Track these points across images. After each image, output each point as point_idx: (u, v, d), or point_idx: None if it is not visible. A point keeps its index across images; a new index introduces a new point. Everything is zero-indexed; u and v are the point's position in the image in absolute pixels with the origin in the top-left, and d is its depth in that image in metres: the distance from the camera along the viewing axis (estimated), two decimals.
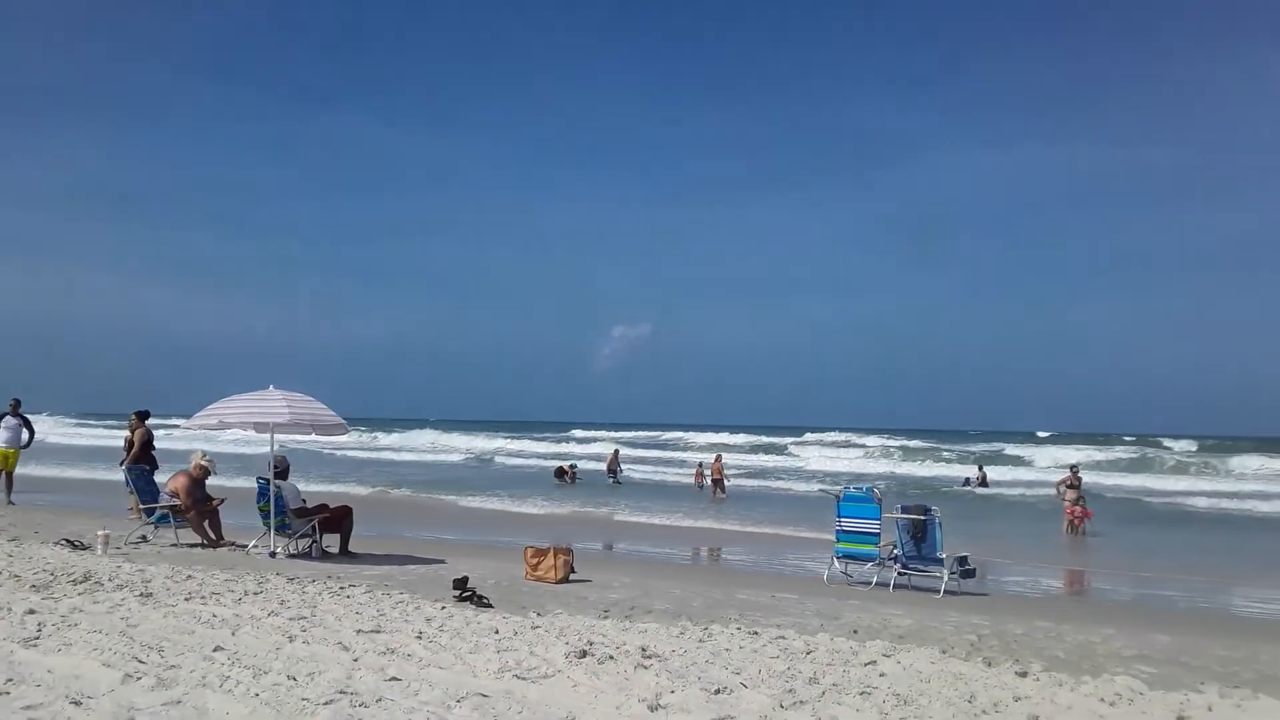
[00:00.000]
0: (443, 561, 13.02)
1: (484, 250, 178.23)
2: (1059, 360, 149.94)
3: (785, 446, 63.49)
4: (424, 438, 68.91)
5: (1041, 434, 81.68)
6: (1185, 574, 15.61)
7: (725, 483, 30.22)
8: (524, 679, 6.05)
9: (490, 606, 9.34)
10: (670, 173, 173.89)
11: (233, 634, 6.93)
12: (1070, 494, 21.70)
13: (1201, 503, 30.87)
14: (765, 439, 69.99)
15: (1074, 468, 23.46)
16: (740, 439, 70.15)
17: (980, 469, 36.41)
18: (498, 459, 49.94)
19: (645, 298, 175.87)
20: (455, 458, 51.24)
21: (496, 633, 7.68)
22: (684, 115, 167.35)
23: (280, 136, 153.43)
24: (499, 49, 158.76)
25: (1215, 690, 6.77)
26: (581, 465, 36.26)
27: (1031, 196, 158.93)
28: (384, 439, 67.15)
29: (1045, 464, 48.95)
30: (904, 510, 13.18)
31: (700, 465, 33.54)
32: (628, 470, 37.13)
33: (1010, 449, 60.01)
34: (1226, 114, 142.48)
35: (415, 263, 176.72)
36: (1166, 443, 64.82)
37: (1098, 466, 45.39)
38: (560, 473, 34.17)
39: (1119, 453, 55.90)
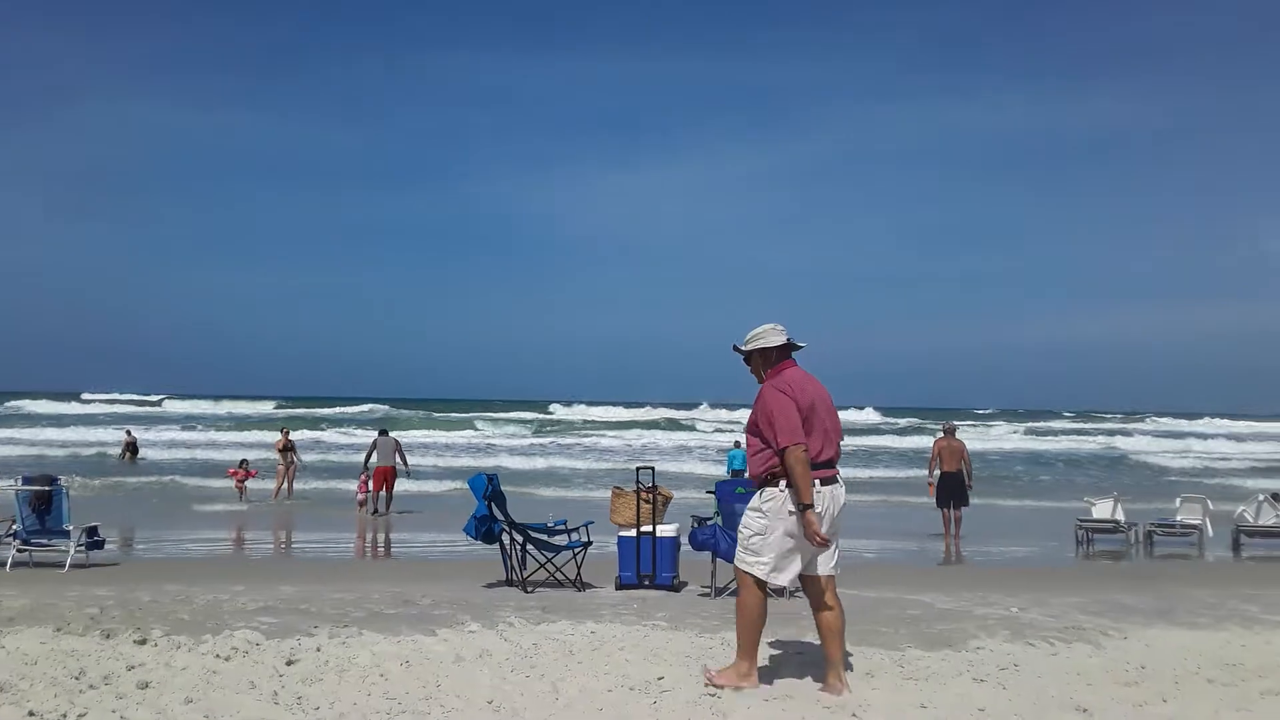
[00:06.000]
0: None
1: None
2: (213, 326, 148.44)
3: None
4: None
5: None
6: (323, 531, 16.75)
7: None
8: None
9: None
10: None
11: None
12: (286, 455, 21.88)
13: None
14: None
15: (285, 429, 23.49)
16: None
17: (129, 434, 34.74)
18: None
19: None
20: None
21: None
22: None
23: None
24: None
25: (326, 632, 7.32)
26: None
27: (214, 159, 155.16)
28: None
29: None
30: (26, 481, 12.01)
31: None
32: None
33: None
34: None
35: None
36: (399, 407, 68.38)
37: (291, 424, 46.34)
38: None
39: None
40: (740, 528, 5.72)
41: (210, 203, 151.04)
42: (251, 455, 24.07)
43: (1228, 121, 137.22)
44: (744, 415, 6.17)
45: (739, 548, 5.71)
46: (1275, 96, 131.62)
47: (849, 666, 6.19)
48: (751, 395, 5.83)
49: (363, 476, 19.48)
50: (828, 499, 5.52)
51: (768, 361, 5.75)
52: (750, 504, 5.68)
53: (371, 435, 21.29)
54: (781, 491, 5.50)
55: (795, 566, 5.60)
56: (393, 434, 20.20)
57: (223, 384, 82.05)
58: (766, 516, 5.54)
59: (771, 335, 5.74)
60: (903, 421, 58.59)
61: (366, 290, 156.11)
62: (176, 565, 12.49)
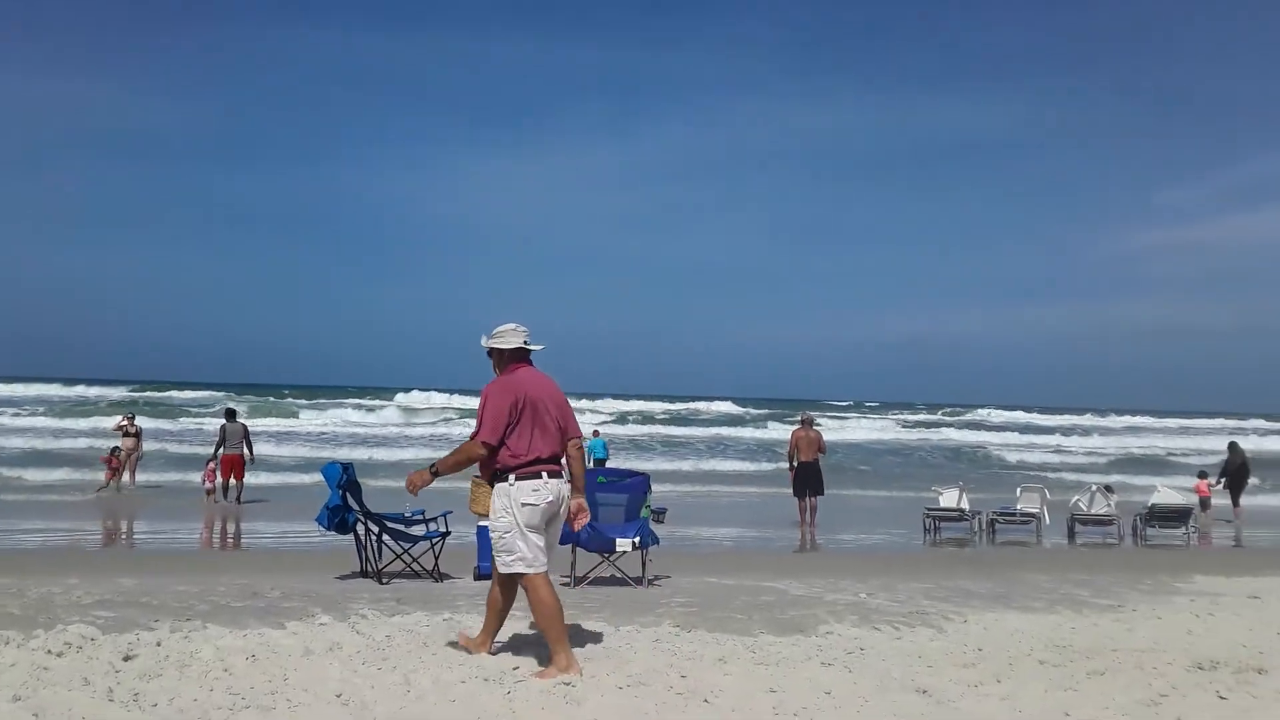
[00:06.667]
0: None
1: None
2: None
3: None
4: None
5: None
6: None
7: None
8: None
9: None
10: None
11: None
12: (128, 442, 20.80)
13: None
14: None
15: (131, 416, 22.33)
16: None
17: None
18: None
19: None
20: None
21: None
22: None
23: None
24: None
25: (168, 626, 7.03)
26: None
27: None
28: None
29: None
30: None
31: None
32: None
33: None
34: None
35: None
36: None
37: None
38: None
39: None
40: (490, 531, 5.94)
41: (31, 174, 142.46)
42: (107, 443, 22.88)
43: (1054, 126, 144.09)
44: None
45: (494, 551, 5.92)
46: (1092, 104, 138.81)
47: (701, 656, 6.30)
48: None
49: (210, 465, 18.76)
50: (554, 490, 5.86)
51: (502, 360, 6.04)
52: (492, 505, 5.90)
53: (215, 422, 20.48)
54: (510, 485, 5.77)
55: (545, 550, 5.88)
56: (240, 420, 19.43)
57: (40, 367, 76.27)
58: (507, 513, 5.78)
59: (510, 336, 6.02)
60: (760, 413, 59.68)
61: (207, 272, 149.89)
62: (6, 557, 11.82)
